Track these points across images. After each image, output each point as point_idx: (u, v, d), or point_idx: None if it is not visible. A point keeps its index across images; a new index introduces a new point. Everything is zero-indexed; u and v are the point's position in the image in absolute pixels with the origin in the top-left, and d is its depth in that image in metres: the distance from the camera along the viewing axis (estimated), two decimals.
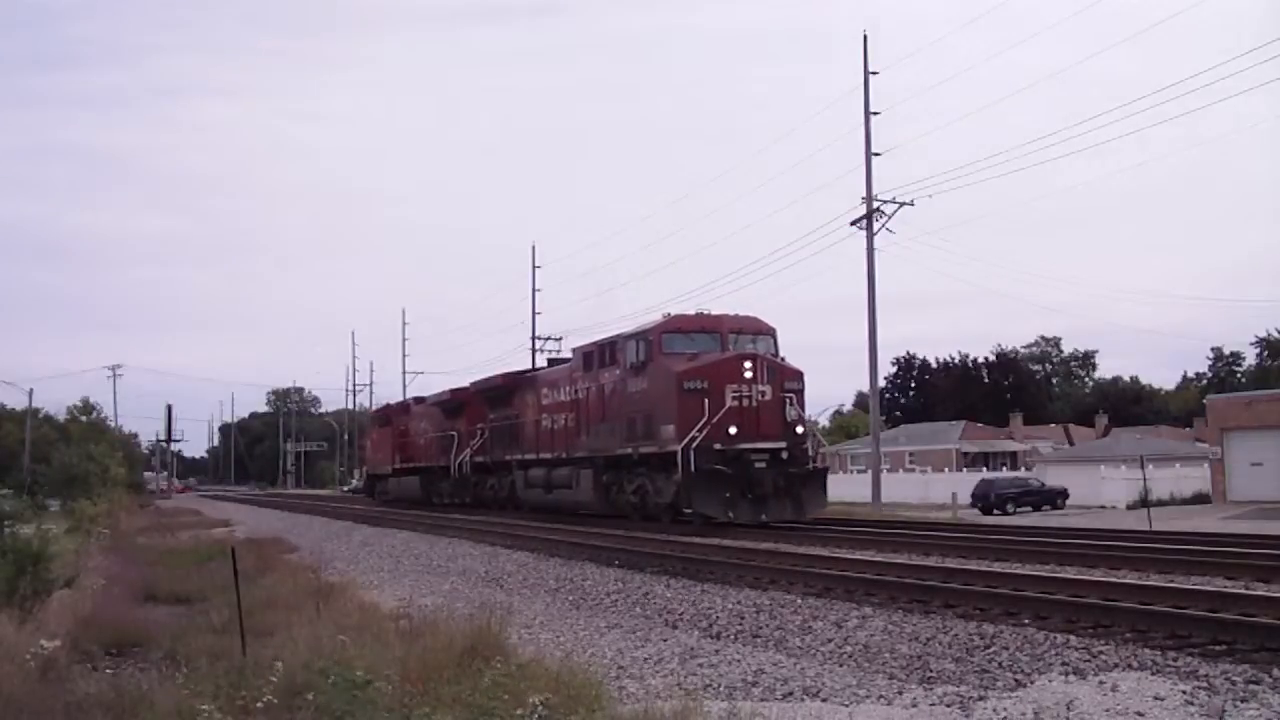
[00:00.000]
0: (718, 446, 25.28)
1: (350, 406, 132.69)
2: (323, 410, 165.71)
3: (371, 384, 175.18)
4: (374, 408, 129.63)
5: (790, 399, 26.64)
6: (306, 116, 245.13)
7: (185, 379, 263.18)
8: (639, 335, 28.95)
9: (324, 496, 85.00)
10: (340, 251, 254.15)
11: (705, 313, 28.93)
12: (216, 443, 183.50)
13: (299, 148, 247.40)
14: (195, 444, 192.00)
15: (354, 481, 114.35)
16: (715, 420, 25.39)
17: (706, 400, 25.63)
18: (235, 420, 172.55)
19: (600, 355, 31.05)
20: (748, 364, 26.24)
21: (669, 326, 28.36)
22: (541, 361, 53.67)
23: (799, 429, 26.60)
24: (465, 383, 46.06)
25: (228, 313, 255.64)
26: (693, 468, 25.03)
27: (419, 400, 52.73)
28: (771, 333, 28.72)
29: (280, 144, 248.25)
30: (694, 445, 25.10)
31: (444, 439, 44.80)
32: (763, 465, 25.49)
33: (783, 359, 27.86)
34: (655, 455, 27.27)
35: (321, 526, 40.64)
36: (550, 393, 34.79)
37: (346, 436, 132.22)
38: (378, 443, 58.52)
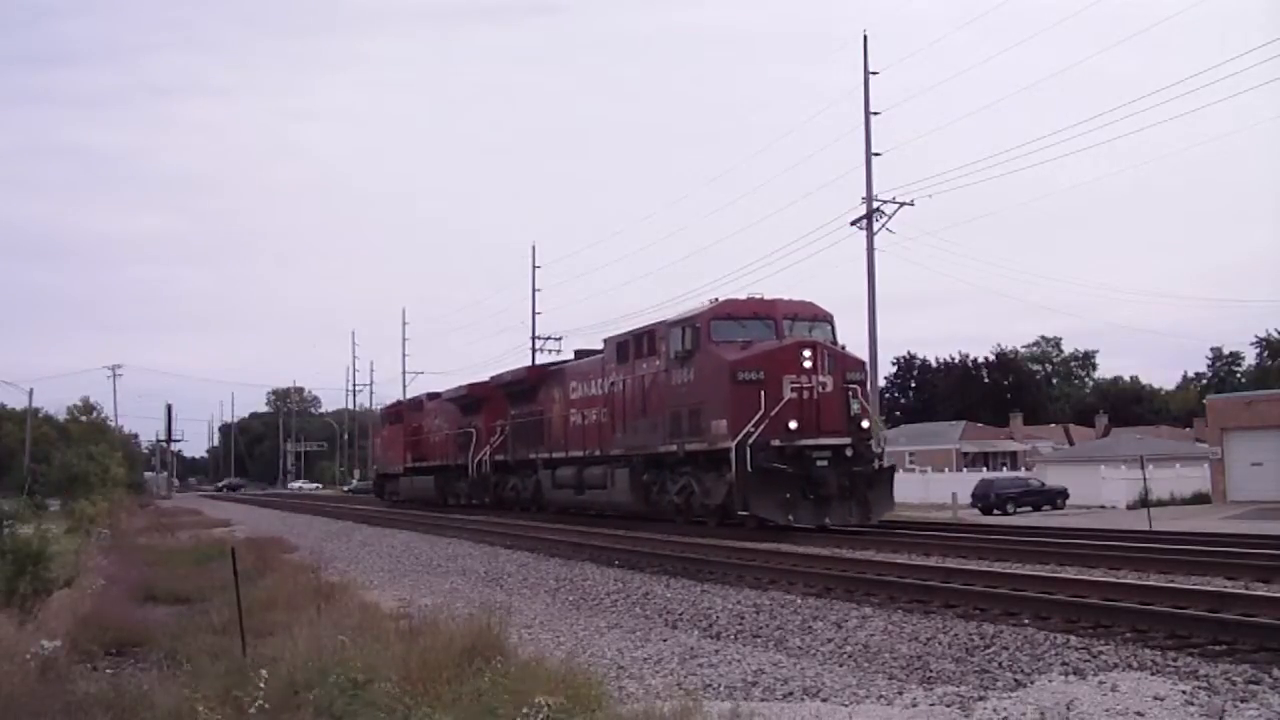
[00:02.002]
0: (776, 443, 23.22)
1: (350, 406, 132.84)
2: (323, 410, 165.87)
3: (371, 384, 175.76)
4: (372, 407, 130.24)
5: (853, 391, 24.57)
6: (305, 116, 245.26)
7: (185, 379, 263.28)
8: (684, 322, 26.64)
9: (324, 496, 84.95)
10: (340, 251, 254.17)
11: (758, 297, 26.69)
12: (217, 443, 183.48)
13: (298, 147, 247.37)
14: (195, 444, 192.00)
15: (354, 481, 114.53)
16: (773, 414, 23.31)
17: (762, 392, 23.49)
18: (235, 420, 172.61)
19: (637, 345, 28.86)
20: (807, 352, 24.04)
21: (718, 312, 26.05)
22: (536, 362, 53.55)
23: (864, 424, 24.55)
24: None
25: (228, 312, 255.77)
26: (748, 466, 22.96)
27: (433, 396, 50.04)
28: (829, 319, 26.60)
29: (279, 143, 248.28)
30: (750, 442, 23.05)
31: (460, 436, 42.78)
32: (825, 463, 23.43)
33: (843, 347, 25.99)
34: (704, 453, 25.19)
35: (322, 527, 40.63)
36: (579, 386, 32.92)
37: (346, 436, 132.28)
38: (388, 440, 56.28)
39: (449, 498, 45.23)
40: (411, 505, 48.36)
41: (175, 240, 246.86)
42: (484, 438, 40.10)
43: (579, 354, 35.70)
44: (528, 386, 37.10)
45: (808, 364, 23.84)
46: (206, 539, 33.05)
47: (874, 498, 24.02)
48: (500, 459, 38.68)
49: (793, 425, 23.35)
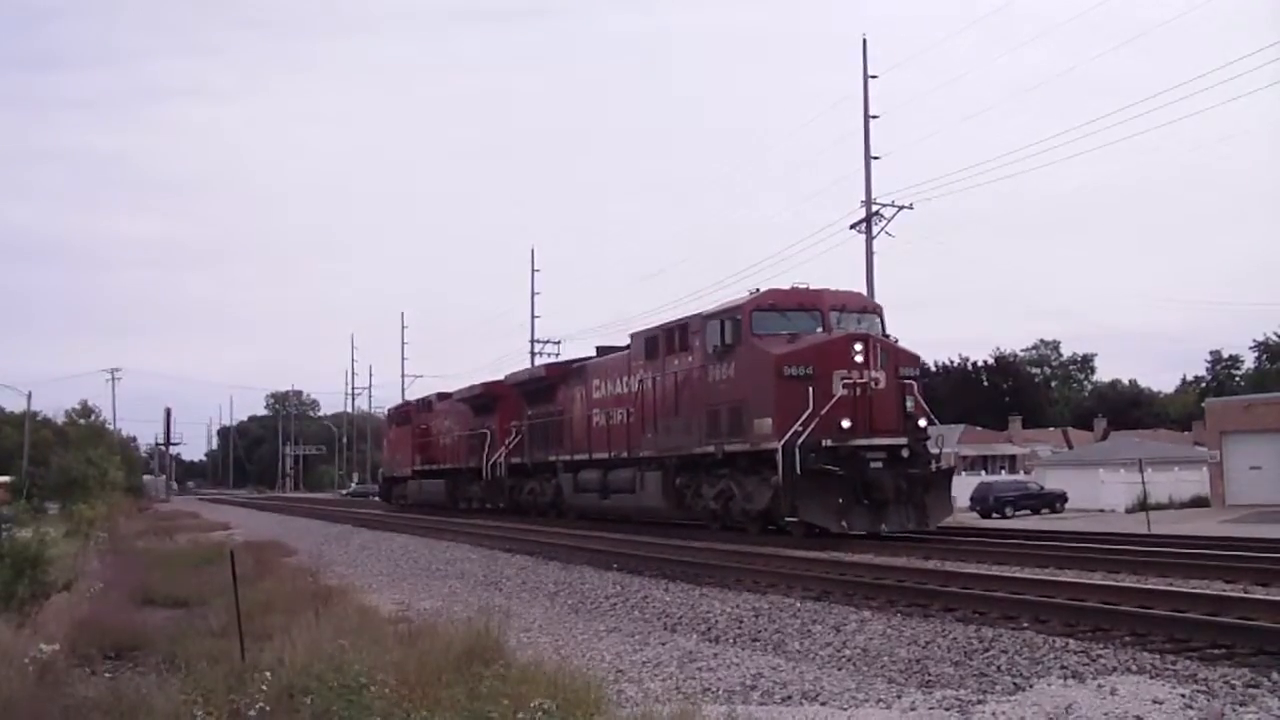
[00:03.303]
0: (827, 443, 21.76)
1: (349, 410, 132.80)
2: (322, 414, 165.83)
3: (370, 387, 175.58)
4: (371, 410, 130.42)
5: (909, 387, 23.27)
6: (304, 118, 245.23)
7: (184, 382, 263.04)
8: (723, 314, 24.86)
9: (322, 500, 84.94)
10: (339, 254, 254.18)
11: (802, 286, 25.11)
12: (215, 446, 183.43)
13: (296, 150, 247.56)
14: (194, 447, 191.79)
15: (353, 484, 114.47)
16: (824, 412, 21.78)
17: (811, 388, 21.94)
18: (234, 423, 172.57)
19: (668, 340, 27.20)
20: (858, 345, 22.47)
21: (761, 302, 24.37)
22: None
23: (921, 422, 23.16)
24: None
25: (227, 316, 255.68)
26: (797, 468, 21.50)
27: (443, 396, 48.22)
28: (878, 311, 25.22)
29: (277, 146, 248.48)
30: (799, 442, 21.54)
31: (473, 438, 41.14)
32: (879, 465, 22.06)
33: (895, 340, 24.31)
34: (745, 454, 23.65)
35: (320, 530, 40.58)
36: (603, 385, 31.30)
37: (345, 440, 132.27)
38: (395, 443, 54.58)
39: (461, 502, 43.95)
40: (420, 510, 47.15)
41: (174, 243, 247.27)
42: (499, 439, 38.66)
43: (601, 351, 34.17)
44: (546, 385, 35.68)
45: (859, 358, 22.37)
46: (205, 542, 33.02)
47: (931, 502, 22.61)
48: (517, 461, 37.22)
49: (845, 424, 21.95)
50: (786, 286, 25.23)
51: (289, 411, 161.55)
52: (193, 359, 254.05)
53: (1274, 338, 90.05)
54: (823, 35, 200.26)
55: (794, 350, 22.96)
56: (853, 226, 43.66)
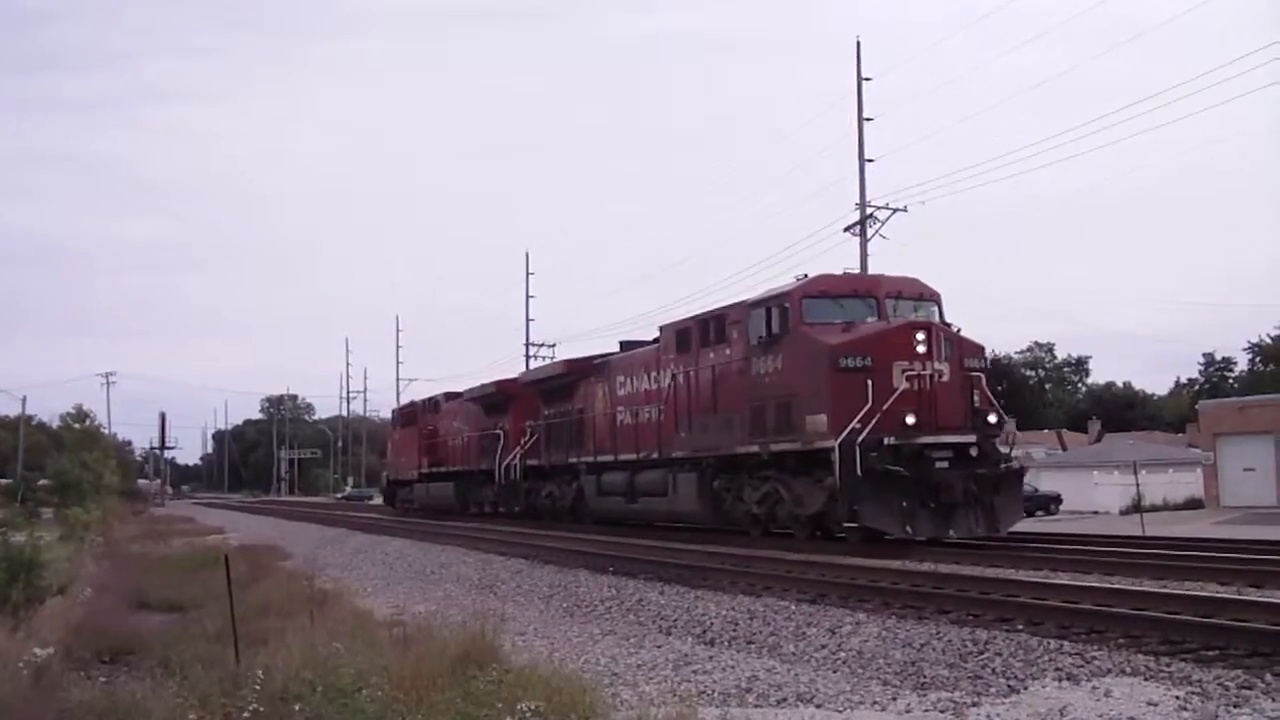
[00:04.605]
0: (890, 441, 19.91)
1: (344, 413, 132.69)
2: (317, 417, 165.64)
3: (365, 390, 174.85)
4: (366, 414, 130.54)
5: (975, 379, 21.49)
6: (300, 120, 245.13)
7: (179, 386, 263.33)
8: (769, 301, 22.87)
9: (317, 504, 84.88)
10: (334, 257, 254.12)
11: (853, 272, 23.22)
12: (211, 450, 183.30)
13: (292, 153, 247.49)
14: (189, 451, 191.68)
15: (347, 488, 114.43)
16: (885, 407, 19.96)
17: (870, 381, 20.11)
18: (229, 427, 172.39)
19: (703, 331, 25.31)
20: (920, 335, 20.71)
21: (811, 289, 22.54)
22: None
23: (991, 418, 21.30)
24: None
25: (222, 319, 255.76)
26: (857, 469, 19.64)
27: (451, 396, 46.31)
28: (936, 298, 23.20)
29: (273, 149, 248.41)
30: (858, 440, 19.69)
31: (485, 439, 39.37)
32: (945, 465, 20.29)
33: (957, 329, 22.22)
34: (795, 454, 21.72)
35: (315, 534, 40.55)
36: (628, 381, 29.44)
37: (341, 443, 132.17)
38: (401, 444, 52.49)
39: (472, 506, 41.96)
40: (427, 514, 45.79)
41: (169, 247, 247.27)
42: (513, 440, 36.81)
43: (625, 345, 32.23)
44: (565, 383, 33.81)
45: (921, 348, 20.58)
46: (200, 546, 32.97)
47: (1001, 504, 20.70)
48: (533, 463, 35.39)
49: (910, 420, 20.08)
50: (839, 272, 23.57)
51: (284, 415, 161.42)
52: (188, 363, 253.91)
53: (1267, 340, 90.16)
54: (819, 36, 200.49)
55: (851, 339, 21.14)
56: (847, 229, 43.74)
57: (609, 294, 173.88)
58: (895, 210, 43.11)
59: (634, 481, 28.39)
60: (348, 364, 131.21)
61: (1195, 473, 54.64)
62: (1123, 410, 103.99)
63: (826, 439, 20.33)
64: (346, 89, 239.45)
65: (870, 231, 43.07)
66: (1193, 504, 52.10)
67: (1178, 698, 8.58)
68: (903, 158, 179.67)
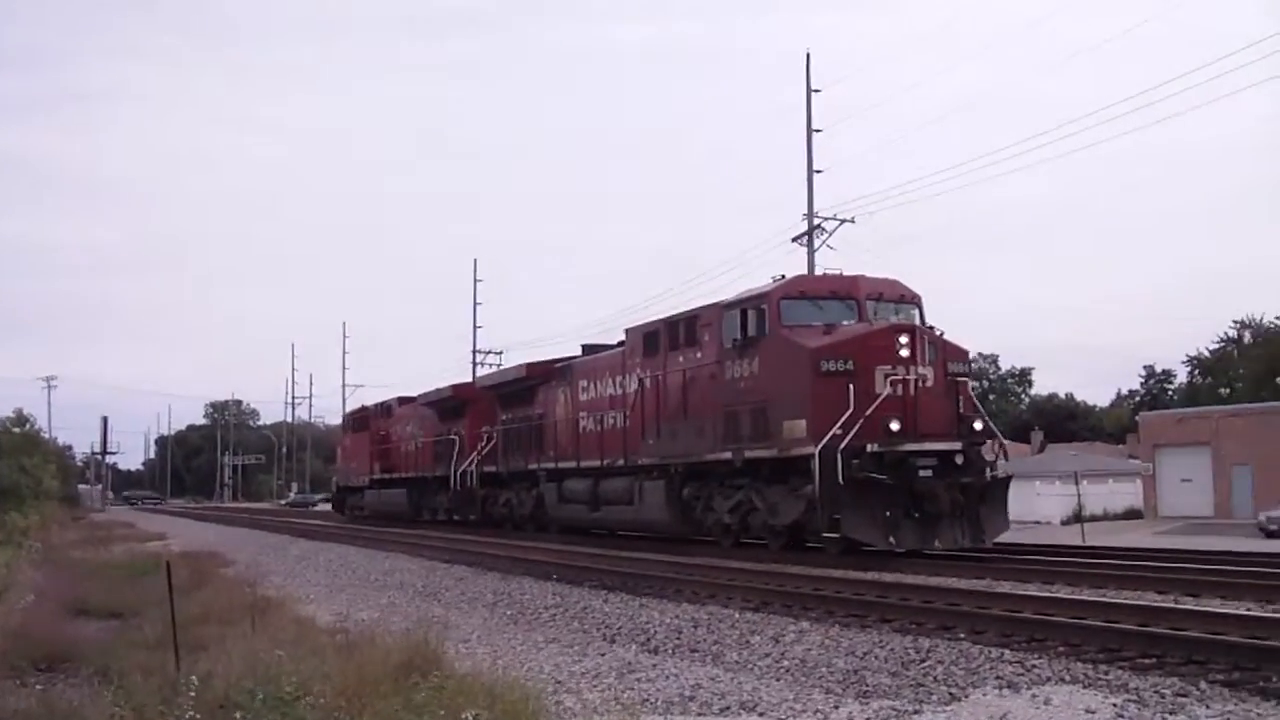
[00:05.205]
0: (873, 448, 19.20)
1: (289, 419, 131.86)
2: (261, 423, 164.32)
3: (311, 396, 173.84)
4: (311, 420, 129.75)
5: (960, 385, 20.84)
6: (242, 125, 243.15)
7: (122, 391, 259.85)
8: (744, 302, 22.01)
9: (262, 510, 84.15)
10: (279, 263, 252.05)
11: (836, 272, 22.54)
12: (153, 455, 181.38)
13: (235, 157, 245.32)
14: (132, 456, 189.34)
15: (291, 494, 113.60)
16: (869, 413, 19.25)
17: (852, 386, 19.41)
18: (172, 433, 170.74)
19: (672, 334, 24.46)
20: (904, 338, 19.99)
21: (790, 290, 21.87)
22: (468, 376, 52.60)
23: (977, 425, 20.47)
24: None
25: (165, 324, 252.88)
26: (839, 477, 18.94)
27: (405, 400, 45.53)
28: (917, 301, 22.44)
29: (216, 153, 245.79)
30: (840, 446, 18.98)
31: (440, 444, 38.44)
32: (929, 473, 19.52)
33: (940, 333, 21.44)
34: (770, 461, 21.00)
35: (258, 540, 40.19)
36: (592, 385, 28.67)
37: (285, 449, 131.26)
38: (351, 450, 51.23)
39: (425, 513, 41.26)
40: (378, 521, 44.84)
41: (112, 250, 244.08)
42: (469, 446, 35.88)
43: (587, 349, 31.34)
44: (524, 387, 32.96)
45: (905, 352, 19.86)
46: (141, 553, 32.66)
47: (986, 514, 20.07)
48: (490, 470, 34.48)
49: (894, 426, 19.30)
50: (818, 273, 22.80)
51: (228, 421, 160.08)
52: (131, 367, 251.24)
53: (1205, 353, 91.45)
54: (768, 49, 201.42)
55: (833, 342, 20.36)
56: (795, 239, 43.93)
57: (556, 302, 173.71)
58: (843, 221, 43.39)
59: (598, 489, 27.61)
60: (293, 369, 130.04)
61: (1135, 483, 55.38)
62: (1065, 421, 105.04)
63: (805, 445, 19.70)
64: (288, 94, 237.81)
65: (818, 242, 43.31)
66: (1132, 514, 52.79)
67: (1115, 705, 8.68)
68: (852, 169, 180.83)
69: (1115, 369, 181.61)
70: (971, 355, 22.55)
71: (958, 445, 20.01)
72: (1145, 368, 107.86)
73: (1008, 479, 21.19)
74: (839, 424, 19.14)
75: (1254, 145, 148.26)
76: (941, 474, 19.58)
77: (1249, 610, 12.78)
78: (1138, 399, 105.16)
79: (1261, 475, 49.26)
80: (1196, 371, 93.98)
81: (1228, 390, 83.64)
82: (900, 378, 19.71)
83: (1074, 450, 74.46)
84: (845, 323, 21.11)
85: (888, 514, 18.95)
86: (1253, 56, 61.72)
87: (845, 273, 22.33)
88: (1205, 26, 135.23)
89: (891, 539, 18.97)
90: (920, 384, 19.88)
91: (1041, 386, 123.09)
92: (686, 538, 24.73)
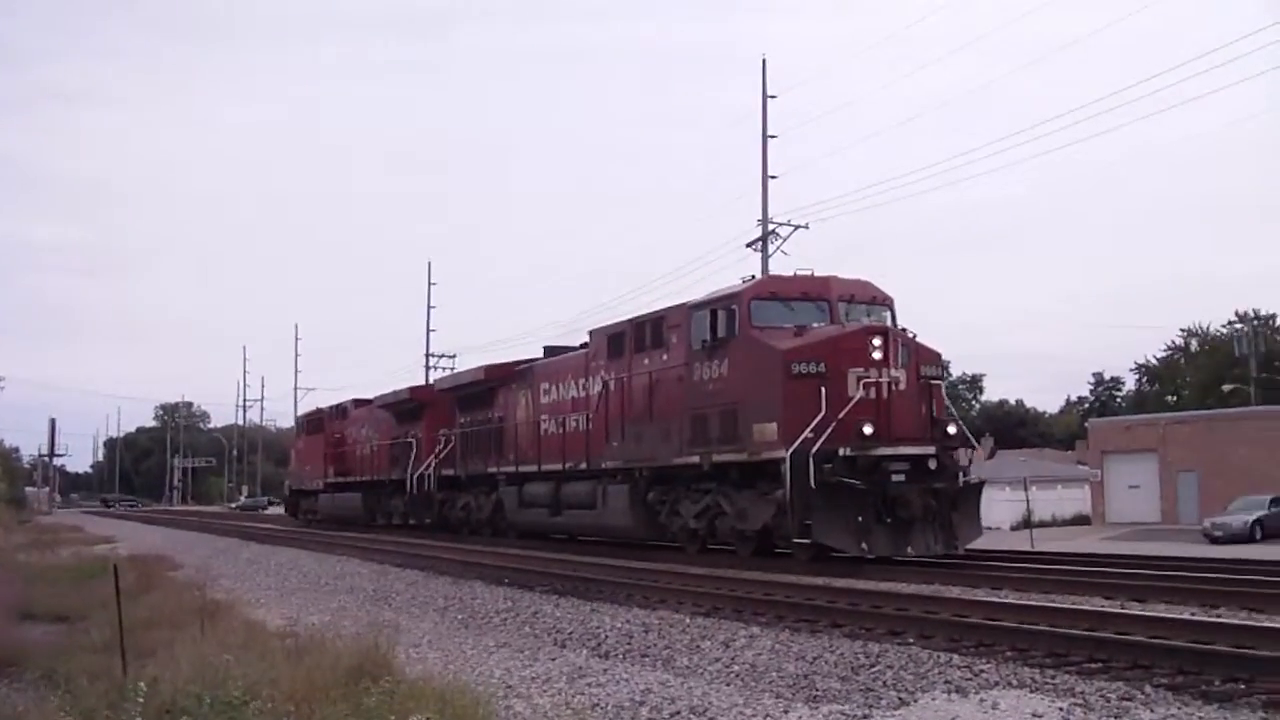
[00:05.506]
0: (845, 452, 18.86)
1: (240, 422, 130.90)
2: (212, 426, 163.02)
3: (262, 399, 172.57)
4: (263, 423, 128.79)
5: (934, 388, 20.70)
6: (201, 127, 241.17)
7: (70, 392, 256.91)
8: (714, 303, 21.61)
9: (212, 514, 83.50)
10: (232, 265, 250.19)
11: (807, 273, 21.99)
12: (101, 457, 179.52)
13: (192, 159, 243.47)
14: (80, 459, 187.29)
15: (241, 498, 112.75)
16: (841, 416, 18.91)
17: (824, 389, 19.08)
18: (121, 435, 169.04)
19: (638, 336, 24.06)
20: (876, 340, 19.68)
21: (761, 290, 21.53)
22: (424, 380, 52.27)
23: (951, 429, 20.27)
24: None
25: (115, 325, 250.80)
26: (811, 481, 18.56)
27: (360, 402, 44.98)
28: (889, 303, 22.07)
29: (172, 155, 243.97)
30: (812, 450, 18.61)
31: (396, 448, 38.20)
32: (902, 478, 19.23)
33: (913, 335, 21.18)
34: (739, 465, 20.64)
35: (208, 544, 39.84)
36: (554, 388, 28.30)
37: (235, 452, 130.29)
38: (305, 453, 50.66)
39: (380, 517, 40.90)
40: (331, 525, 44.45)
41: (61, 250, 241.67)
42: (426, 449, 35.53)
43: (549, 351, 30.99)
44: (484, 389, 32.56)
45: (878, 354, 19.57)
46: (88, 556, 32.32)
47: (960, 520, 19.81)
48: (448, 473, 34.02)
49: (867, 430, 18.98)
50: (789, 274, 22.46)
51: (178, 423, 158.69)
52: (80, 369, 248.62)
53: (1153, 361, 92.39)
54: (725, 56, 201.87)
55: (805, 344, 20.03)
56: (749, 245, 44.05)
57: (508, 308, 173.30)
58: (797, 227, 43.55)
59: (559, 493, 27.17)
60: (245, 371, 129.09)
61: (1083, 489, 55.91)
62: (1015, 427, 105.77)
63: (776, 449, 19.33)
64: (250, 97, 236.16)
65: (772, 248, 43.45)
66: (1080, 520, 53.28)
67: (1061, 710, 8.76)
68: (807, 175, 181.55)
69: (1065, 376, 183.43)
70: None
71: (931, 449, 19.78)
72: (1094, 375, 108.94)
73: (980, 484, 20.99)
74: (811, 427, 18.80)
75: (1203, 157, 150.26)
76: (915, 479, 19.31)
77: (1193, 615, 12.97)
78: (1087, 406, 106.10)
79: (1207, 481, 49.89)
80: (1145, 379, 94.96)
81: (1175, 398, 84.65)
82: (873, 380, 19.44)
83: (1024, 456, 75.01)
84: (816, 324, 20.79)
85: (860, 519, 18.60)
86: (1207, 66, 62.25)
87: (817, 273, 21.90)
88: (1160, 34, 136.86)
89: (864, 545, 18.64)
90: (893, 387, 19.65)
91: (992, 393, 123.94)
92: (652, 543, 24.49)
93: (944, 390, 21.27)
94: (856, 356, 19.52)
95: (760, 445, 19.91)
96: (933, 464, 19.64)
